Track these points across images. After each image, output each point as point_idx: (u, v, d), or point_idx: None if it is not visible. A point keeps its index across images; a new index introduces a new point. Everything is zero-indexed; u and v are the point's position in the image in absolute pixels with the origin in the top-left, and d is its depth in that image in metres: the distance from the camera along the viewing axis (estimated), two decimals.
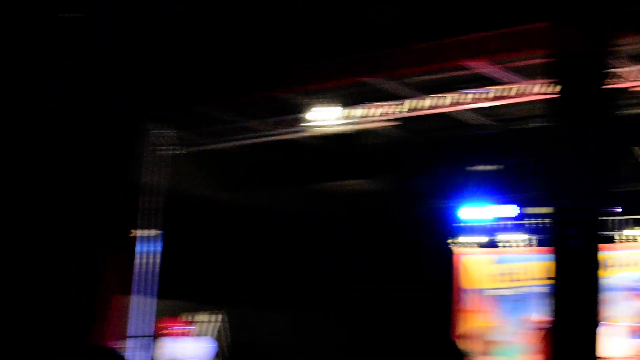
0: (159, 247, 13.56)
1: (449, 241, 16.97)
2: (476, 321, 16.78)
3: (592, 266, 8.81)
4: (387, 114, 14.10)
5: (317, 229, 18.32)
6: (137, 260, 13.45)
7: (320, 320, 18.21)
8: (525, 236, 16.65)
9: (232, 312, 16.64)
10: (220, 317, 16.29)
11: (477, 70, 13.12)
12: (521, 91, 13.31)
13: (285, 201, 18.35)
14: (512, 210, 16.57)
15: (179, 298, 16.03)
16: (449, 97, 13.70)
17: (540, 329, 14.17)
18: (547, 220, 16.40)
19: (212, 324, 16.19)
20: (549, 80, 9.66)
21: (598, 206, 9.00)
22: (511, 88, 13.41)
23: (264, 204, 18.06)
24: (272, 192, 18.02)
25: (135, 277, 13.55)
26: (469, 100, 13.61)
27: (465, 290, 16.87)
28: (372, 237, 17.99)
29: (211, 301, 16.61)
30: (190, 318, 15.89)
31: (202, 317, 16.06)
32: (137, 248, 13.50)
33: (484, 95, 13.45)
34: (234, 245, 17.30)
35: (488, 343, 16.38)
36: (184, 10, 11.21)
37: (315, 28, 11.74)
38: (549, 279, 8.69)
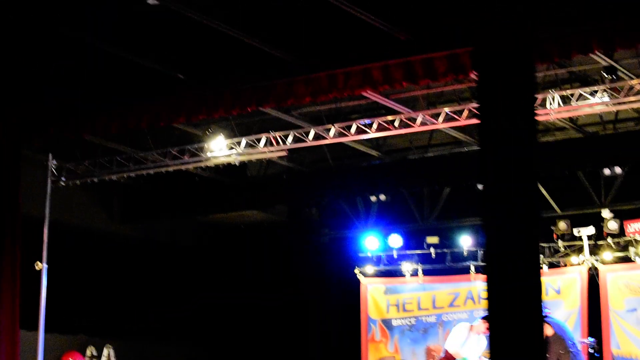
0: (44, 280, 13.29)
1: (355, 271, 17.07)
2: (380, 352, 16.86)
3: None
4: (276, 144, 14.16)
5: (211, 261, 18.28)
6: (25, 294, 13.16)
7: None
8: (417, 265, 16.80)
9: (122, 344, 16.48)
10: (110, 350, 16.10)
11: (371, 101, 13.29)
12: (413, 121, 13.50)
13: (178, 233, 18.29)
14: (402, 240, 16.71)
15: (68, 332, 15.84)
16: (336, 128, 13.84)
17: (440, 358, 14.31)
18: (443, 250, 16.68)
19: (103, 358, 16.01)
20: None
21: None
22: (398, 118, 13.60)
23: (161, 236, 18.00)
24: (163, 224, 17.94)
25: (26, 310, 13.25)
26: (356, 130, 13.75)
27: (370, 320, 16.95)
28: (270, 270, 18.03)
29: (100, 334, 16.44)
30: (83, 352, 15.68)
31: (93, 350, 15.86)
32: (25, 281, 13.22)
33: (377, 126, 13.62)
34: (124, 276, 17.16)
35: None
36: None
37: (205, 55, 11.76)
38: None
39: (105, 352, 16.01)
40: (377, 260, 17.01)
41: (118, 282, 17.15)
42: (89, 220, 17.01)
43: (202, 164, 14.91)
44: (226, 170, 15.66)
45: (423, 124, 13.52)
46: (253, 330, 18.06)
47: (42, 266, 13.30)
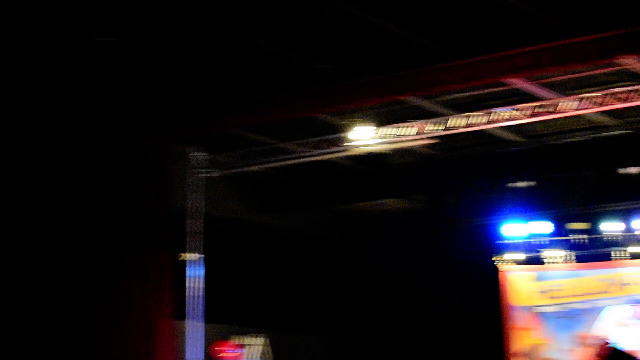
0: (202, 271, 13.64)
1: (493, 259, 17.00)
2: (527, 339, 16.76)
3: None
4: (422, 132, 14.18)
5: (358, 251, 18.42)
6: (184, 285, 13.55)
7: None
8: (566, 252, 16.66)
9: (275, 335, 16.75)
10: (263, 340, 16.37)
11: (514, 87, 13.23)
12: (557, 107, 13.39)
13: (317, 222, 18.46)
14: (552, 226, 16.58)
15: (222, 321, 16.15)
16: (484, 115, 13.78)
17: (591, 345, 14.15)
18: (591, 236, 16.51)
19: (257, 347, 16.28)
20: None
21: None
22: (547, 104, 13.51)
23: (301, 226, 18.20)
24: (308, 214, 18.14)
25: (185, 301, 13.65)
26: (505, 117, 13.67)
27: (513, 308, 16.85)
28: (413, 258, 18.08)
29: (254, 324, 16.72)
30: (238, 341, 15.98)
31: (249, 340, 16.16)
32: (184, 272, 13.61)
33: (520, 112, 13.54)
34: (274, 267, 17.42)
35: None
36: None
37: (352, 46, 11.84)
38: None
39: (257, 341, 16.28)
40: (521, 248, 16.91)
41: (261, 272, 17.43)
42: (229, 211, 17.27)
43: (346, 154, 15.00)
44: (365, 159, 15.75)
45: (569, 109, 13.38)
46: (395, 320, 18.14)
47: (187, 256, 13.69)
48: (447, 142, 15.77)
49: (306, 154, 15.24)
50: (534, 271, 16.89)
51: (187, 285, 13.99)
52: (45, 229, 13.35)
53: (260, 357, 16.13)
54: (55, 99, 12.65)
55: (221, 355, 15.41)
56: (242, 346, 15.90)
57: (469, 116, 13.88)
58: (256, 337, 16.30)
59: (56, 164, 13.46)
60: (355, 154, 15.13)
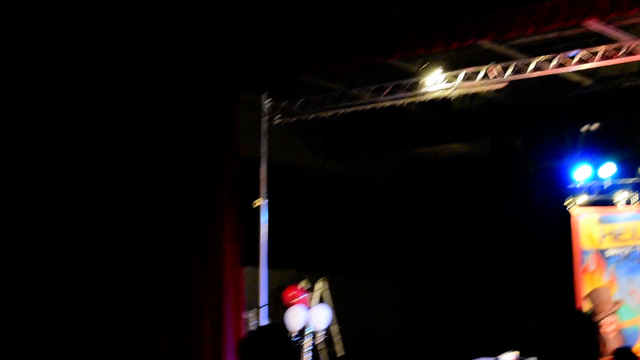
0: (266, 217, 13.62)
1: (565, 203, 16.80)
2: (595, 282, 16.62)
3: None
4: (492, 76, 13.97)
5: (420, 196, 18.28)
6: (250, 232, 13.56)
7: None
8: (635, 194, 16.43)
9: (336, 280, 16.76)
10: (325, 284, 16.40)
11: (586, 29, 12.95)
12: (630, 49, 13.11)
13: (386, 169, 18.36)
14: (621, 169, 16.35)
15: (284, 267, 16.18)
16: (555, 58, 13.52)
17: None
18: None
19: (319, 292, 16.33)
20: None
21: None
22: (620, 46, 13.22)
23: (365, 171, 18.11)
24: (372, 160, 18.02)
25: (251, 247, 13.67)
26: (577, 60, 13.41)
27: (583, 252, 16.69)
28: (479, 203, 17.93)
29: (315, 269, 16.73)
30: (305, 286, 16.03)
31: (315, 284, 16.21)
32: (250, 219, 13.61)
33: (592, 55, 13.27)
34: (337, 213, 17.38)
35: (611, 303, 16.24)
36: None
37: None
38: None
39: (318, 285, 16.31)
40: (589, 190, 16.68)
41: (324, 218, 17.39)
42: (295, 157, 17.22)
43: (417, 99, 14.82)
44: (430, 103, 15.56)
45: None
46: (457, 266, 18.04)
47: (261, 203, 13.72)
48: (516, 85, 15.53)
49: (372, 100, 15.08)
50: (603, 214, 16.66)
51: (255, 232, 13.99)
52: (124, 174, 13.37)
53: (323, 302, 16.16)
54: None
55: (292, 300, 15.49)
56: (308, 290, 15.96)
57: (539, 59, 13.61)
58: (319, 282, 16.32)
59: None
60: (422, 100, 14.92)
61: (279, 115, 15.30)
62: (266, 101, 14.69)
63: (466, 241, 18.06)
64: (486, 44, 13.58)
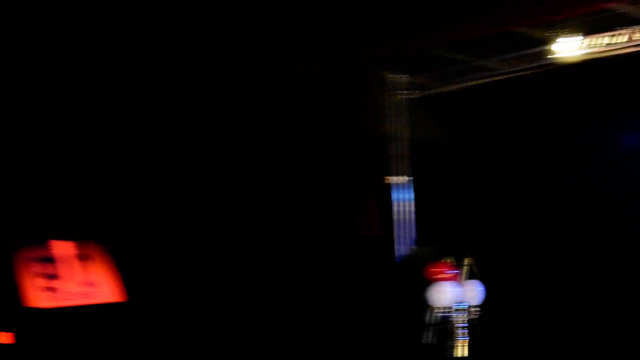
0: (411, 194, 13.65)
1: None
2: None
3: None
4: (631, 40, 13.63)
5: None
6: (392, 207, 13.63)
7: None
8: None
9: (481, 257, 16.62)
10: (471, 260, 16.30)
11: None
12: None
13: None
14: None
15: (429, 243, 16.14)
16: None
17: None
18: None
19: (466, 268, 16.24)
20: None
21: None
22: None
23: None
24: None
25: (392, 224, 13.75)
26: None
27: None
28: None
29: (459, 246, 16.63)
30: (452, 262, 15.97)
31: (459, 261, 16.14)
32: (391, 195, 13.68)
33: None
34: (476, 188, 17.22)
35: None
36: None
37: None
38: None
39: (466, 262, 16.20)
40: None
41: (464, 193, 17.23)
42: (424, 132, 17.11)
43: (547, 68, 14.57)
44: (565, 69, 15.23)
45: None
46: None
47: (392, 180, 13.72)
48: None
49: (506, 70, 14.89)
50: None
51: (394, 208, 14.02)
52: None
53: (470, 278, 16.04)
54: None
55: (438, 276, 15.43)
56: (456, 267, 15.86)
57: None
58: (465, 258, 16.20)
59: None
60: (555, 67, 14.66)
61: (414, 91, 15.25)
62: (400, 77, 14.68)
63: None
64: (623, 7, 13.27)
